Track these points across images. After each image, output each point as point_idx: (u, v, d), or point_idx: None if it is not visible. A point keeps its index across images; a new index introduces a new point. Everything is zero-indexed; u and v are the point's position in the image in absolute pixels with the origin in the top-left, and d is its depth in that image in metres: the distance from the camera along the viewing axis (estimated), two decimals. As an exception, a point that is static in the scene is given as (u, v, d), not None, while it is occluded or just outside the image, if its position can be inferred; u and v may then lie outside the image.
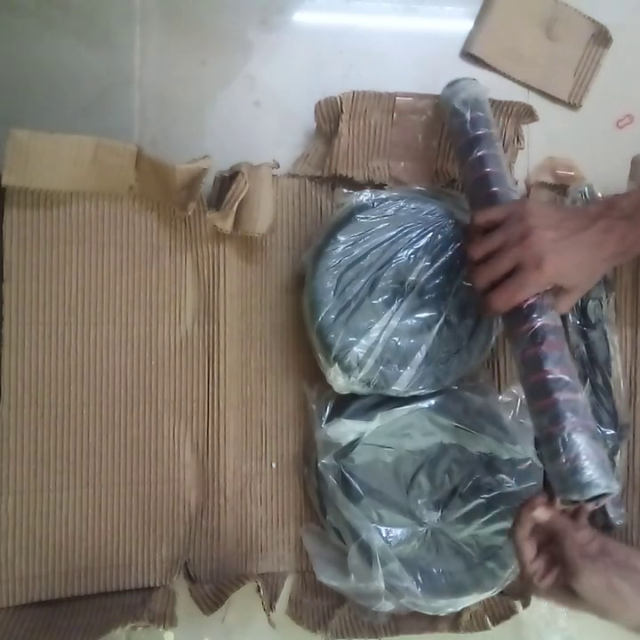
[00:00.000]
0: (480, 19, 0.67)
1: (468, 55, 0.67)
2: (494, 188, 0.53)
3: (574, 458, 0.45)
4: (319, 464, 0.57)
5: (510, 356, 0.65)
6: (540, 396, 0.47)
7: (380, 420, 0.57)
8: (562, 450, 0.45)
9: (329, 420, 0.59)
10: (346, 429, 0.56)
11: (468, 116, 0.56)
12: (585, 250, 0.49)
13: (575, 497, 0.45)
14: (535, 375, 0.48)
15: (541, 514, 0.47)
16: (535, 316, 0.49)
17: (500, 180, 0.54)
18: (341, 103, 0.60)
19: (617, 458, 0.63)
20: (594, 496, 0.45)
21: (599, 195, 0.63)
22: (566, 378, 0.47)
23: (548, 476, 0.48)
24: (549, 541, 0.47)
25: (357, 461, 0.56)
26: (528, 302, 0.49)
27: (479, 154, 0.54)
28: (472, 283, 0.52)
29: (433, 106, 0.63)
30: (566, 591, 0.45)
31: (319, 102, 0.61)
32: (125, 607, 0.55)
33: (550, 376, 0.47)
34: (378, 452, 0.57)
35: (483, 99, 0.58)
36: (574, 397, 0.47)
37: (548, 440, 0.47)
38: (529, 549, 0.47)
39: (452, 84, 0.59)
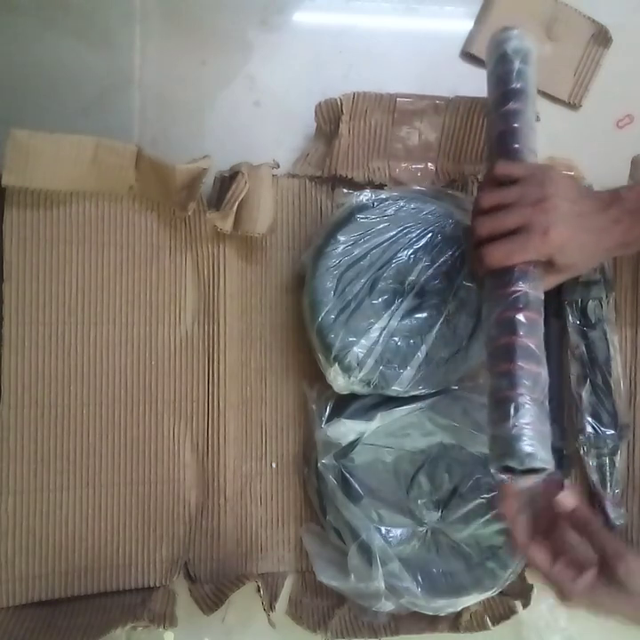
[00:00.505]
0: (480, 18, 0.67)
1: (468, 55, 0.67)
2: (517, 145, 0.51)
3: (522, 426, 0.44)
4: (319, 464, 0.57)
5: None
6: (506, 359, 0.47)
7: (379, 420, 0.57)
8: (512, 414, 0.45)
9: (329, 420, 0.59)
10: (346, 429, 0.56)
11: (517, 65, 0.53)
12: (593, 233, 0.49)
13: (513, 464, 0.44)
14: (506, 338, 0.47)
15: (567, 500, 0.46)
16: (522, 282, 0.48)
17: (526, 139, 0.52)
18: (341, 104, 0.60)
19: (617, 458, 0.63)
20: (530, 468, 0.44)
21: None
22: (534, 349, 0.47)
23: (489, 439, 0.47)
24: (550, 530, 0.46)
25: (357, 461, 0.56)
26: (520, 266, 0.48)
27: (514, 107, 0.52)
28: (472, 231, 0.50)
29: (433, 106, 0.63)
30: (610, 588, 0.42)
31: (319, 103, 0.61)
32: (125, 607, 0.55)
33: (520, 342, 0.46)
34: (378, 452, 0.57)
35: (533, 55, 0.55)
36: (537, 370, 0.46)
37: (501, 403, 0.46)
38: (522, 528, 0.46)
39: (506, 30, 0.55)
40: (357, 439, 0.57)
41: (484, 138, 0.63)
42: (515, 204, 0.48)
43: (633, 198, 0.49)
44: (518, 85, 0.53)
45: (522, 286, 0.48)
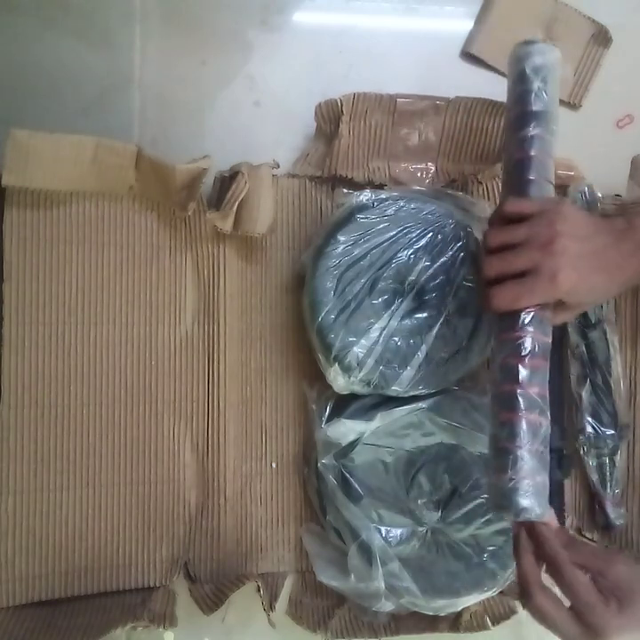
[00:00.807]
0: (480, 18, 0.67)
1: (468, 55, 0.67)
2: (532, 177, 0.50)
3: (520, 479, 0.44)
4: (319, 464, 0.57)
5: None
6: (507, 408, 0.46)
7: (379, 420, 0.57)
8: (510, 466, 0.45)
9: (329, 420, 0.59)
10: (346, 429, 0.56)
11: (536, 85, 0.50)
12: (605, 271, 0.47)
13: (508, 516, 0.45)
14: (509, 385, 0.47)
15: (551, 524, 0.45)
16: (530, 327, 0.47)
17: (542, 169, 0.50)
18: (342, 104, 0.60)
19: (617, 458, 0.63)
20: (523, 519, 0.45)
21: (599, 195, 0.63)
22: (538, 399, 0.46)
23: (488, 486, 0.47)
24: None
25: (357, 461, 0.56)
26: (528, 310, 0.47)
27: (531, 133, 0.50)
28: (481, 270, 0.49)
29: (434, 107, 0.63)
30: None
31: (319, 104, 0.61)
32: (125, 607, 0.55)
33: (522, 392, 0.46)
34: (378, 452, 0.57)
35: (556, 71, 0.52)
36: (539, 420, 0.46)
37: (500, 453, 0.46)
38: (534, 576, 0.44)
39: (528, 43, 0.52)
40: (357, 439, 0.57)
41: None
42: (523, 245, 0.47)
43: None
44: (537, 108, 0.51)
45: (528, 331, 0.47)
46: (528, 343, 0.47)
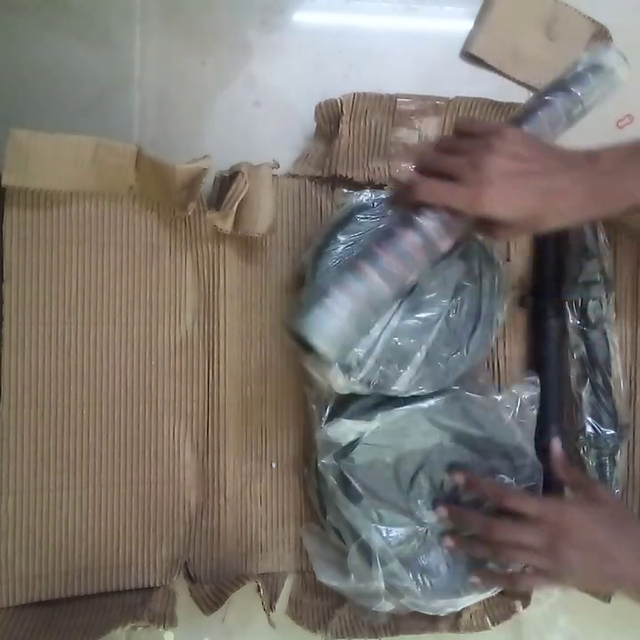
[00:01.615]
0: (480, 19, 0.67)
1: (468, 55, 0.67)
2: (534, 116, 0.51)
3: (322, 306, 0.45)
4: (319, 464, 0.57)
5: (510, 356, 0.65)
6: (364, 256, 0.47)
7: (379, 420, 0.57)
8: (335, 292, 0.45)
9: (329, 419, 0.59)
10: (346, 429, 0.56)
11: (589, 77, 0.52)
12: (540, 195, 0.45)
13: (296, 327, 0.45)
14: (378, 245, 0.47)
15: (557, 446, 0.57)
16: (429, 217, 0.47)
17: (547, 122, 0.51)
18: (342, 104, 0.60)
19: (617, 458, 0.63)
20: (309, 343, 0.44)
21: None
22: (394, 271, 0.46)
23: (301, 295, 0.47)
24: None
25: (357, 461, 0.56)
26: (439, 208, 0.47)
27: (554, 100, 0.51)
28: (417, 162, 0.50)
29: (434, 107, 0.63)
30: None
31: (319, 104, 0.61)
32: (125, 607, 0.55)
33: (379, 251, 0.46)
34: (378, 452, 0.57)
35: (610, 80, 0.54)
36: (377, 280, 0.46)
37: (346, 268, 0.47)
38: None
39: (600, 52, 0.54)
40: (357, 439, 0.57)
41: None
42: (460, 152, 0.47)
43: (608, 159, 0.47)
44: (574, 89, 0.52)
45: (424, 221, 0.47)
46: (421, 226, 0.47)
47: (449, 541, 0.55)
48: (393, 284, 0.47)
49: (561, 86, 0.53)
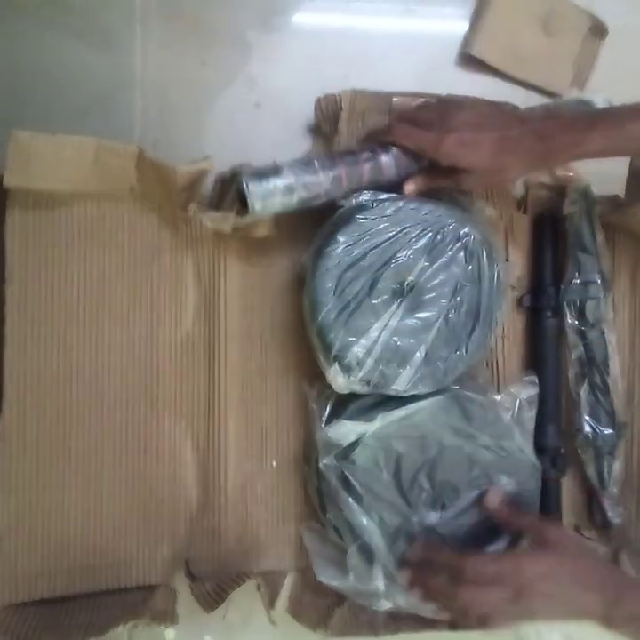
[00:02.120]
0: (476, 19, 0.67)
1: (467, 57, 0.67)
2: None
3: (283, 170, 0.54)
4: (320, 464, 0.57)
5: (509, 356, 0.65)
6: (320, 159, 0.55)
7: (380, 421, 0.57)
8: (273, 171, 0.54)
9: (329, 419, 0.59)
10: (346, 430, 0.56)
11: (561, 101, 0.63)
12: (495, 141, 0.52)
13: (240, 176, 0.53)
14: (340, 158, 0.56)
15: (494, 498, 0.57)
16: (387, 155, 0.55)
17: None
18: (340, 101, 0.60)
19: (615, 457, 0.63)
20: (243, 195, 0.53)
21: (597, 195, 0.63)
22: (339, 174, 0.55)
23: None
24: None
25: (358, 462, 0.57)
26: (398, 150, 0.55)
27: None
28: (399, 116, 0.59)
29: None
30: None
31: (319, 98, 0.61)
32: (127, 605, 0.55)
33: (338, 161, 0.55)
34: (378, 453, 0.58)
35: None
36: (319, 176, 0.54)
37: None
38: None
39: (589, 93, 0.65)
40: (358, 440, 0.57)
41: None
42: (434, 110, 0.56)
43: (565, 117, 0.56)
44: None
45: (386, 154, 0.55)
46: (381, 158, 0.56)
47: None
48: (332, 187, 0.55)
49: (545, 108, 0.61)
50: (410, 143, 0.55)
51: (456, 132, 0.52)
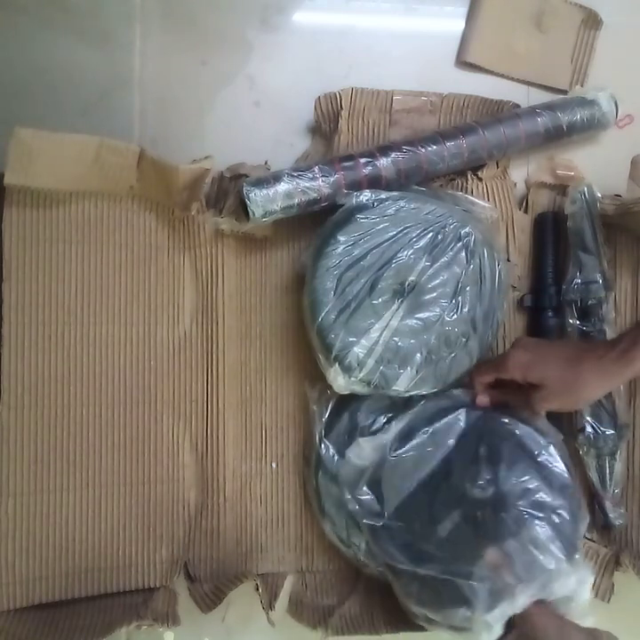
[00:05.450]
0: (469, 25, 0.67)
1: (463, 63, 0.67)
2: None
3: (282, 177, 0.55)
4: (346, 497, 0.57)
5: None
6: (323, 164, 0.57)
7: (394, 427, 0.57)
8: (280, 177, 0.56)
9: (329, 419, 0.59)
10: (364, 452, 0.57)
11: (563, 100, 0.63)
12: (563, 363, 0.53)
13: (244, 193, 0.54)
14: (339, 164, 0.57)
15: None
16: (388, 158, 0.57)
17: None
18: (341, 99, 0.60)
19: (616, 458, 0.63)
20: (246, 198, 0.54)
21: (599, 195, 0.63)
22: (338, 179, 0.57)
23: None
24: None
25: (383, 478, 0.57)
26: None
27: (520, 120, 0.61)
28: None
29: (429, 103, 0.63)
30: None
31: (319, 97, 0.61)
32: (127, 607, 0.55)
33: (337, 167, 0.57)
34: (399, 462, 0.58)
35: (587, 108, 0.63)
36: (311, 182, 0.56)
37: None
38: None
39: (592, 88, 0.65)
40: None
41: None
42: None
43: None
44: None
45: (386, 157, 0.58)
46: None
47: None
48: (331, 192, 0.57)
49: (548, 106, 0.63)
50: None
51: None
